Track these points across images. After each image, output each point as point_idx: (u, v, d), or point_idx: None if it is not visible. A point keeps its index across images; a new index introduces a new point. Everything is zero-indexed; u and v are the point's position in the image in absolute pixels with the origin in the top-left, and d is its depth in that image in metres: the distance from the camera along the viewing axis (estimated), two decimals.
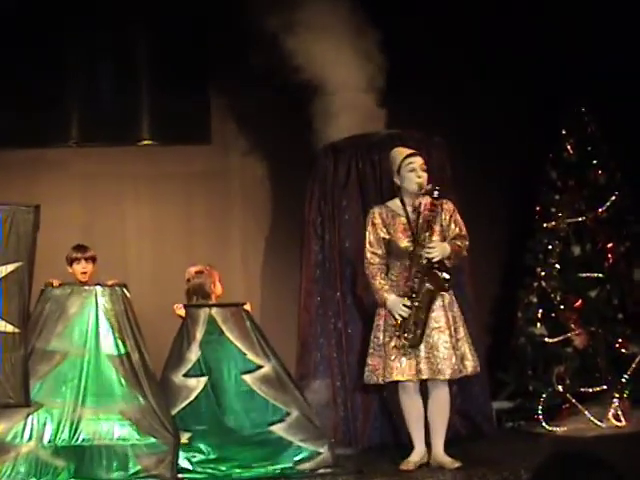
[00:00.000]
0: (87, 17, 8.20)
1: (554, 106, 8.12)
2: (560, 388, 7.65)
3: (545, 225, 8.03)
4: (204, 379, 6.26)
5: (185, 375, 6.29)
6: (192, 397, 6.24)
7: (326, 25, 7.47)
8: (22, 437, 5.93)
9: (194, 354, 6.31)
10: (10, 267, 5.86)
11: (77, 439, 5.95)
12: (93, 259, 6.75)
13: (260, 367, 6.33)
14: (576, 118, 8.05)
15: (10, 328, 5.85)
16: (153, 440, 5.92)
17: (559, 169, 8.06)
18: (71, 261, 6.74)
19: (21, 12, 8.05)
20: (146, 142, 8.58)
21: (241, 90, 8.12)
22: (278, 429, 6.21)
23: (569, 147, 8.03)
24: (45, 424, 5.95)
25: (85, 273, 6.69)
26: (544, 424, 7.52)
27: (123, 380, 6.07)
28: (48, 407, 6.01)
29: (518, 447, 6.92)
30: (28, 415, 5.94)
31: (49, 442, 5.92)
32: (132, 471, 5.88)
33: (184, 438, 6.07)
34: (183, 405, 6.21)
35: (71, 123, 8.48)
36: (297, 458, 6.15)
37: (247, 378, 6.29)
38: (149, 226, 8.37)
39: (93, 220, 8.34)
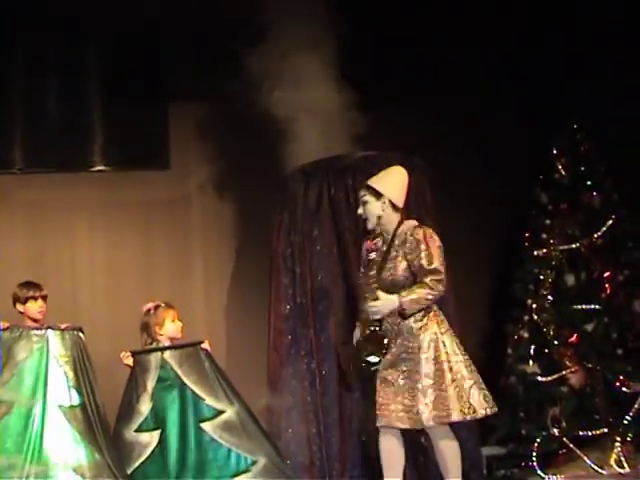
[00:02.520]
0: (35, 32, 8.10)
1: (544, 123, 8.14)
2: (556, 431, 7.52)
3: (535, 253, 7.92)
4: (157, 433, 6.12)
5: (137, 430, 6.12)
6: (146, 454, 6.15)
7: (295, 43, 7.37)
8: None
9: (145, 406, 6.14)
10: None
11: None
12: (46, 297, 6.69)
13: (221, 412, 6.21)
14: (568, 136, 8.02)
15: None
16: None
17: (550, 191, 8.00)
18: (25, 300, 6.64)
19: None
20: (99, 167, 8.44)
21: (203, 111, 8.10)
22: None
23: (561, 167, 7.96)
24: None
25: (41, 312, 6.59)
26: (539, 472, 7.40)
27: (77, 434, 5.93)
28: None
29: None
30: None
31: None
32: None
33: None
34: (137, 464, 6.05)
35: (14, 147, 8.35)
36: None
37: (206, 426, 6.16)
38: (103, 259, 8.22)
39: (40, 253, 8.25)
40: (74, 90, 8.32)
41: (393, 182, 5.84)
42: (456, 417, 5.59)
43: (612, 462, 7.19)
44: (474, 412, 5.62)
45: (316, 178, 7.35)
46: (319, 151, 7.32)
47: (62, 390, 6.00)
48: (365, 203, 5.78)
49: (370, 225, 5.82)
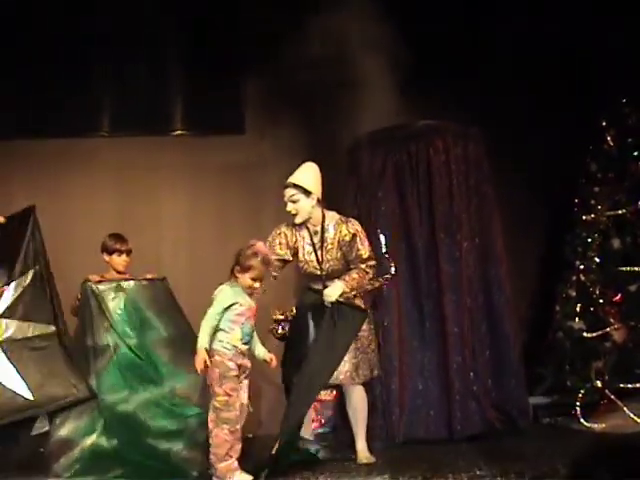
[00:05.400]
0: (120, 8, 8.30)
1: (594, 98, 8.11)
2: (599, 384, 7.65)
3: (584, 218, 8.06)
4: None
5: None
6: None
7: (361, 15, 7.42)
8: (86, 432, 6.10)
9: None
10: (30, 274, 6.30)
11: (137, 427, 6.07)
12: (130, 252, 6.97)
13: None
14: (616, 110, 8.04)
15: (52, 329, 6.26)
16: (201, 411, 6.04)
17: (599, 161, 8.08)
18: (112, 251, 6.92)
19: (53, 5, 8.23)
20: (180, 132, 8.71)
21: (276, 80, 8.12)
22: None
23: (609, 139, 8.03)
24: (107, 416, 6.10)
25: (125, 265, 6.94)
26: (582, 420, 7.54)
27: (171, 363, 6.25)
28: (108, 400, 6.14)
29: (555, 443, 6.86)
30: (92, 410, 6.13)
31: (111, 434, 6.07)
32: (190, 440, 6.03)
33: None
34: None
35: (102, 113, 8.65)
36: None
37: None
38: (183, 216, 8.47)
39: (127, 210, 8.46)
40: (156, 61, 8.54)
41: (316, 179, 6.27)
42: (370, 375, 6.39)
43: None
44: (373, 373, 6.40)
45: (381, 145, 7.59)
46: (384, 119, 7.46)
47: (155, 328, 6.34)
48: (296, 201, 6.18)
49: (299, 219, 6.22)
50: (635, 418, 7.33)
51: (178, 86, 8.69)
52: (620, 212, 7.92)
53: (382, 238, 6.45)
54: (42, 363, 6.13)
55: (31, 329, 6.19)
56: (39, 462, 6.22)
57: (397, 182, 7.56)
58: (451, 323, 7.37)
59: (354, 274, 6.16)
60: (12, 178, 8.49)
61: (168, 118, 8.70)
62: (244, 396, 5.77)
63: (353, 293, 6.16)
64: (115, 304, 6.40)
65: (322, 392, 7.18)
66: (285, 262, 6.37)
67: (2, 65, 8.25)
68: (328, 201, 7.64)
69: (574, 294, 7.93)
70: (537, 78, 8.31)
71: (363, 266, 6.18)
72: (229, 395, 5.64)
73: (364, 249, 6.20)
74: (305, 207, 6.20)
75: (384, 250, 6.41)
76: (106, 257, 6.92)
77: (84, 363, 6.29)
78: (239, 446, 5.70)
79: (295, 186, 6.20)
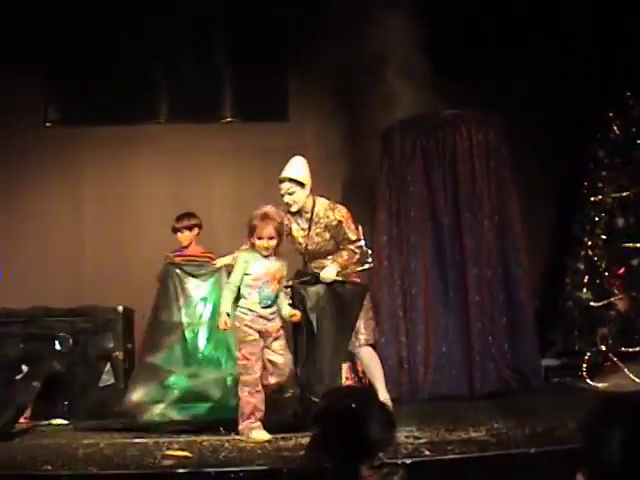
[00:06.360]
0: (173, 9, 8.77)
1: (601, 90, 8.25)
2: (603, 348, 7.89)
3: (592, 199, 8.27)
4: None
5: None
6: None
7: (391, 15, 7.59)
8: (155, 400, 6.29)
9: None
10: None
11: (205, 402, 6.25)
12: (189, 228, 7.39)
13: None
14: (622, 101, 8.24)
15: None
16: None
17: (606, 148, 8.29)
18: (174, 231, 7.45)
19: (116, 3, 8.68)
20: (228, 119, 9.10)
21: (316, 71, 8.48)
22: None
23: (615, 128, 8.24)
24: (174, 388, 6.31)
25: (185, 241, 7.41)
26: (588, 380, 7.76)
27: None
28: (176, 373, 6.38)
29: (564, 400, 7.09)
30: (160, 381, 6.36)
31: (178, 403, 6.24)
32: None
33: None
34: None
35: (160, 103, 9.05)
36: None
37: None
38: (231, 196, 8.78)
39: (180, 191, 8.82)
40: (207, 56, 8.98)
41: (307, 171, 6.37)
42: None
43: None
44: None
45: (411, 131, 7.93)
46: (414, 108, 7.68)
47: None
48: (292, 193, 6.26)
49: (295, 208, 6.31)
50: (635, 378, 7.53)
51: (227, 78, 9.07)
52: (624, 194, 8.14)
53: (360, 230, 6.45)
54: None
55: None
56: (106, 410, 6.61)
57: (425, 165, 7.85)
58: (472, 292, 7.66)
59: (344, 254, 6.29)
60: (81, 162, 8.90)
61: (218, 107, 9.07)
62: (277, 358, 5.68)
63: (346, 271, 6.29)
64: (193, 285, 6.61)
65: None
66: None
67: (73, 61, 8.73)
68: (362, 182, 8.21)
69: (582, 267, 8.14)
70: (551, 75, 8.52)
71: (352, 247, 6.30)
72: (247, 359, 5.63)
73: (351, 232, 6.29)
74: (301, 197, 6.31)
75: (363, 242, 6.43)
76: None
77: (157, 336, 6.54)
78: (263, 406, 5.64)
79: (290, 180, 6.29)
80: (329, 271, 6.22)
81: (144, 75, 8.89)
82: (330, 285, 6.19)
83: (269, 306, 5.69)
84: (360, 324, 6.35)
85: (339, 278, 6.24)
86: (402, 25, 7.61)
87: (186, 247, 7.46)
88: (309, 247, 6.38)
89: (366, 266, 6.40)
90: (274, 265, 5.72)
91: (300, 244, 6.42)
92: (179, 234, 7.45)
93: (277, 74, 9.06)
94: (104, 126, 8.84)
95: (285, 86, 9.06)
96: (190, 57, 9.05)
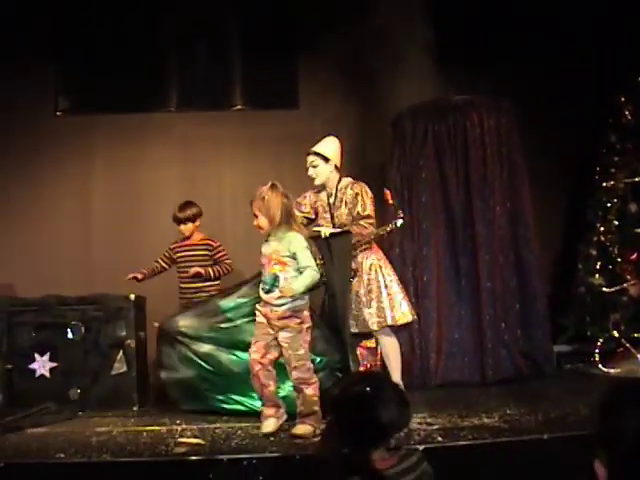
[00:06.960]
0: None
1: (613, 76, 8.27)
2: (615, 334, 7.90)
3: (604, 184, 8.27)
4: None
5: None
6: None
7: (401, 3, 7.77)
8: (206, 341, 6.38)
9: None
10: None
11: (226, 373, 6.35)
12: (193, 219, 7.41)
13: None
14: (633, 86, 8.23)
15: None
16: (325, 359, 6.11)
17: (618, 133, 8.28)
18: (175, 222, 7.50)
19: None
20: (239, 107, 9.13)
21: (326, 60, 8.38)
22: None
23: (627, 113, 8.24)
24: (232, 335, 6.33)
25: (185, 232, 7.45)
26: (600, 366, 7.75)
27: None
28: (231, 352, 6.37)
29: (576, 386, 7.12)
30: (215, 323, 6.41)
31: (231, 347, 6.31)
32: None
33: None
34: None
35: (171, 91, 9.09)
36: None
37: None
38: (242, 184, 8.64)
39: (192, 178, 8.89)
40: (219, 44, 9.02)
41: (335, 149, 6.54)
42: (390, 322, 6.41)
43: None
44: (405, 318, 6.45)
45: (422, 117, 7.91)
46: (424, 94, 7.79)
47: None
48: (316, 166, 6.47)
49: (318, 182, 6.51)
50: None
51: (238, 66, 9.08)
52: (637, 179, 8.13)
53: (388, 192, 6.59)
54: None
55: None
56: (117, 398, 6.73)
57: (437, 151, 7.84)
58: (485, 279, 7.67)
59: (355, 228, 6.37)
60: (91, 151, 8.94)
61: (228, 95, 9.11)
62: (283, 350, 5.45)
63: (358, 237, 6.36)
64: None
65: (365, 340, 7.32)
66: (310, 220, 6.62)
67: (83, 50, 8.77)
68: (374, 168, 8.13)
69: (595, 253, 8.15)
70: (563, 60, 8.55)
71: (362, 222, 6.38)
72: (253, 340, 5.56)
73: (363, 207, 6.38)
74: (324, 171, 6.48)
75: (391, 202, 6.59)
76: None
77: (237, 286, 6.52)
78: (268, 389, 5.49)
79: (315, 154, 6.48)
80: (324, 228, 6.39)
81: (154, 63, 8.92)
82: (327, 240, 6.28)
83: (268, 291, 5.47)
84: (375, 306, 6.39)
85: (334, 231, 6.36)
86: (414, 11, 7.73)
87: (188, 237, 7.51)
88: (335, 223, 6.49)
89: (399, 222, 6.47)
90: (271, 246, 5.50)
91: (325, 220, 6.54)
92: (182, 226, 7.49)
93: (288, 62, 9.09)
94: (115, 114, 8.87)
95: (295, 74, 9.08)
96: (201, 45, 9.09)
